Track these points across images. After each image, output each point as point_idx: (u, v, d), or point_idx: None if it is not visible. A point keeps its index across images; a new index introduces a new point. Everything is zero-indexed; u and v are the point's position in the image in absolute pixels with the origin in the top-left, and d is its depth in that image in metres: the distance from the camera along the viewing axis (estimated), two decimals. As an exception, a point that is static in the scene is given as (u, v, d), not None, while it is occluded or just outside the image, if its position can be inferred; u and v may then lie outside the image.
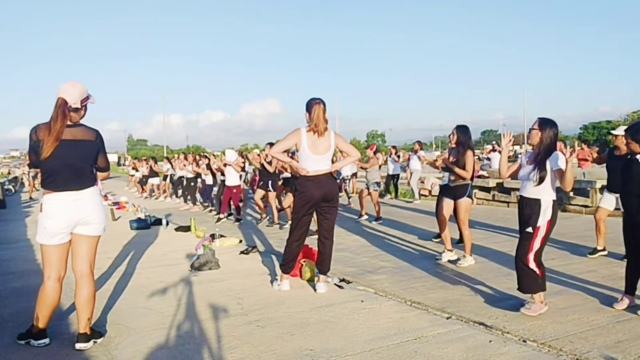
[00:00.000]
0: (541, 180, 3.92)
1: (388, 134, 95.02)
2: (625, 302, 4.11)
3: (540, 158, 3.98)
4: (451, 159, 5.89)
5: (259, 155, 10.52)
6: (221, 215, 10.23)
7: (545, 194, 3.95)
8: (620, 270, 4.52)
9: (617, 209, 5.97)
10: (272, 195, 9.61)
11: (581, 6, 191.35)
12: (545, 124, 4.04)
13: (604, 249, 6.01)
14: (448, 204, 6.04)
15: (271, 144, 10.06)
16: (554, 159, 3.93)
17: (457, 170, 5.77)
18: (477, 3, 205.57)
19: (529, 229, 3.97)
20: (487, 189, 12.25)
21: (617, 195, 5.84)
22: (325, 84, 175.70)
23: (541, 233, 3.95)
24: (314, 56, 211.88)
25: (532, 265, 3.97)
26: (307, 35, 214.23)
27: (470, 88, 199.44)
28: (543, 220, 3.94)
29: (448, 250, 6.08)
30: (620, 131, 5.76)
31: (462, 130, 5.87)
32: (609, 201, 6.00)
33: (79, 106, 3.25)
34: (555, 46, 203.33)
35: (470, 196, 5.88)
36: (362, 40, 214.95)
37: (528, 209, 4.00)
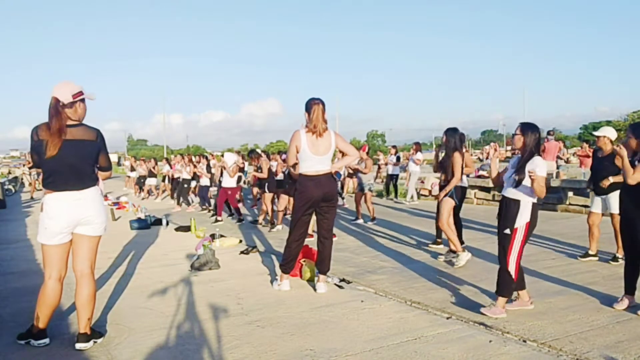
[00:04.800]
0: (518, 183, 3.94)
1: (388, 134, 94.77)
2: (625, 302, 4.11)
3: (522, 162, 4.01)
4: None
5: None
6: (218, 218, 10.21)
7: (525, 196, 3.96)
8: (620, 270, 4.52)
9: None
10: (267, 196, 9.66)
11: (581, 7, 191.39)
12: (527, 128, 4.06)
13: (595, 254, 5.98)
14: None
15: (252, 152, 10.11)
16: (531, 163, 3.93)
17: (450, 184, 5.97)
18: (478, 3, 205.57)
19: (507, 231, 3.99)
20: (487, 189, 12.26)
21: (604, 196, 5.82)
22: (325, 84, 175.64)
23: (519, 235, 3.95)
24: (314, 56, 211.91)
25: (512, 268, 3.97)
26: (307, 35, 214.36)
27: (470, 88, 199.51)
28: (521, 222, 3.94)
29: (451, 251, 6.11)
30: (602, 132, 5.73)
31: (451, 133, 6.04)
32: (598, 204, 5.97)
33: (72, 100, 3.20)
34: (555, 46, 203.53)
35: (452, 197, 5.92)
36: (362, 40, 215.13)
37: (507, 210, 4.03)
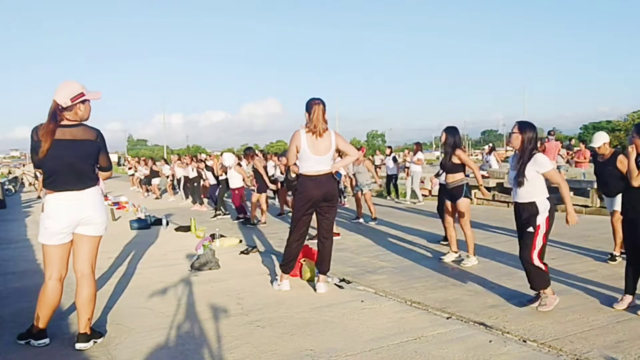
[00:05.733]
0: (520, 184, 3.99)
1: (388, 134, 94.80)
2: (626, 302, 4.11)
3: (522, 162, 4.03)
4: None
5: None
6: (250, 219, 10.28)
7: (538, 196, 4.01)
8: (620, 270, 4.52)
9: (602, 207, 5.94)
10: (260, 197, 9.67)
11: (581, 7, 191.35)
12: (525, 127, 4.08)
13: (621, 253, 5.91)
14: (447, 205, 6.12)
15: (249, 149, 10.17)
16: (538, 163, 3.97)
17: (478, 180, 6.09)
18: (477, 3, 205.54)
19: (530, 229, 4.02)
20: (487, 189, 12.22)
21: (610, 198, 5.82)
22: (325, 84, 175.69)
23: (542, 230, 4.01)
24: (314, 56, 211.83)
25: (537, 262, 4.02)
26: (307, 35, 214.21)
27: (470, 88, 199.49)
28: (542, 219, 4.01)
29: (453, 251, 6.10)
30: (600, 142, 5.70)
31: (450, 131, 6.01)
32: (610, 203, 5.93)
33: (70, 104, 3.19)
34: (555, 46, 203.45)
35: (467, 196, 5.91)
36: (362, 40, 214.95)
37: (526, 214, 4.05)
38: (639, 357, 3.16)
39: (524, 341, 3.43)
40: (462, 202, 5.86)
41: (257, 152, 11.71)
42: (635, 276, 4.16)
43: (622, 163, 5.45)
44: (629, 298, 4.14)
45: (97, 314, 3.88)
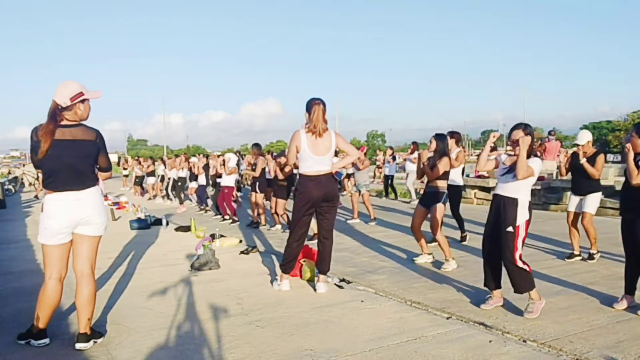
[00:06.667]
0: (510, 171, 4.01)
1: (388, 134, 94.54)
2: (625, 302, 4.11)
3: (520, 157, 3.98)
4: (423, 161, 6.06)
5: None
6: (225, 217, 10.29)
7: (522, 194, 3.98)
8: (620, 270, 4.52)
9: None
10: (259, 196, 9.68)
11: (581, 7, 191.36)
12: (527, 128, 4.05)
13: (580, 254, 5.98)
14: (420, 210, 6.04)
15: (256, 145, 10.15)
16: (530, 161, 3.95)
17: (427, 172, 5.93)
18: (477, 3, 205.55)
19: (510, 229, 3.95)
20: (487, 189, 12.25)
21: (582, 197, 5.88)
22: (325, 84, 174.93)
23: (522, 232, 3.95)
24: (314, 56, 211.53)
25: (521, 263, 3.95)
26: (307, 35, 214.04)
27: (470, 88, 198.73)
28: (522, 220, 3.95)
29: (426, 253, 6.11)
30: (585, 139, 5.80)
31: (440, 138, 6.06)
32: (574, 203, 5.97)
33: (69, 103, 3.20)
34: (555, 46, 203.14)
35: (445, 203, 5.91)
36: (362, 40, 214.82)
37: (505, 208, 4.00)
38: (639, 357, 3.17)
39: (524, 341, 3.43)
40: (439, 207, 5.83)
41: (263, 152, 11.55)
42: (635, 276, 4.16)
43: (597, 164, 5.67)
44: (628, 298, 4.14)
45: (97, 314, 3.89)
